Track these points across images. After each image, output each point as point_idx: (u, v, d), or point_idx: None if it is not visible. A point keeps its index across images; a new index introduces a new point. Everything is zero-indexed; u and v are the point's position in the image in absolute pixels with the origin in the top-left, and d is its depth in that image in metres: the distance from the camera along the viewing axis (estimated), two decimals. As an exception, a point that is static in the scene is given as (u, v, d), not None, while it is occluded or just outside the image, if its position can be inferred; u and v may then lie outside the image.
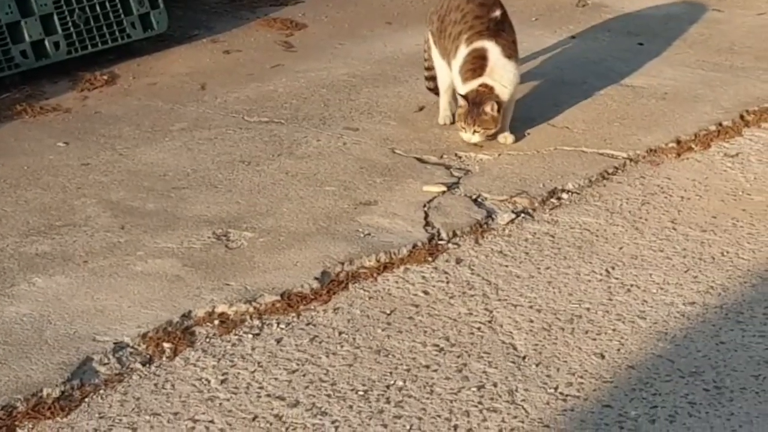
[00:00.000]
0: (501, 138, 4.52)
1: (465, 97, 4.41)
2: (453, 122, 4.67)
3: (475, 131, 4.41)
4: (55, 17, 5.17)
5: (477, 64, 4.44)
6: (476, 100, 4.38)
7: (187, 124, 4.72)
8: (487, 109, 4.36)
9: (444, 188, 4.16)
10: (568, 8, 6.16)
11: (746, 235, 3.86)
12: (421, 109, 4.86)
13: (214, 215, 3.96)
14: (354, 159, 4.40)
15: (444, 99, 4.72)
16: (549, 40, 5.61)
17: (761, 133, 4.67)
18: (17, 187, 4.17)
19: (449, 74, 4.58)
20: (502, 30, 4.50)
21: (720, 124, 4.72)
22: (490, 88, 4.40)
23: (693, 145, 4.55)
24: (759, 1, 6.38)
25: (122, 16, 5.37)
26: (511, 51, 4.49)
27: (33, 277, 3.56)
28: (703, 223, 3.95)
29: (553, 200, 4.12)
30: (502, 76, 4.43)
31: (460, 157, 4.42)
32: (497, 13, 4.51)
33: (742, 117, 4.79)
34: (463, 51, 4.47)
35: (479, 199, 4.10)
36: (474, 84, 4.41)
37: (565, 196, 4.15)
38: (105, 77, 5.18)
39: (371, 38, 5.73)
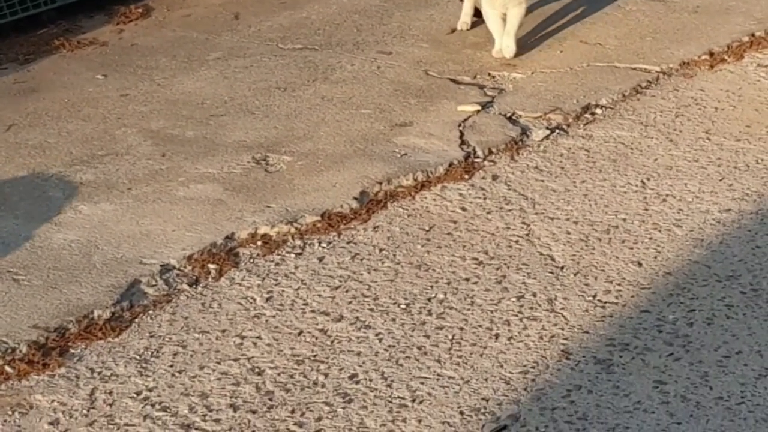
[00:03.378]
0: (495, 53, 4.56)
1: None
2: (470, 28, 4.80)
3: None
4: (88, -48, 5.21)
5: None
6: None
7: (222, 54, 4.76)
8: None
9: (478, 107, 4.19)
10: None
11: (781, 143, 3.89)
12: (453, 31, 4.88)
13: (253, 141, 4.01)
14: (388, 82, 4.44)
15: (468, 4, 4.84)
16: (579, -41, 5.60)
17: (795, 43, 4.68)
18: (59, 119, 4.24)
19: None
20: None
21: (753, 35, 4.71)
22: None
23: (726, 57, 4.55)
24: None
25: (154, -51, 5.40)
26: None
27: (78, 205, 3.63)
28: (738, 132, 3.97)
29: (587, 115, 4.15)
30: None
31: (493, 77, 4.45)
32: None
33: (775, 27, 4.79)
34: None
35: (514, 117, 4.14)
36: None
37: (599, 111, 4.17)
38: (140, 10, 5.22)
39: (401, -37, 5.73)
